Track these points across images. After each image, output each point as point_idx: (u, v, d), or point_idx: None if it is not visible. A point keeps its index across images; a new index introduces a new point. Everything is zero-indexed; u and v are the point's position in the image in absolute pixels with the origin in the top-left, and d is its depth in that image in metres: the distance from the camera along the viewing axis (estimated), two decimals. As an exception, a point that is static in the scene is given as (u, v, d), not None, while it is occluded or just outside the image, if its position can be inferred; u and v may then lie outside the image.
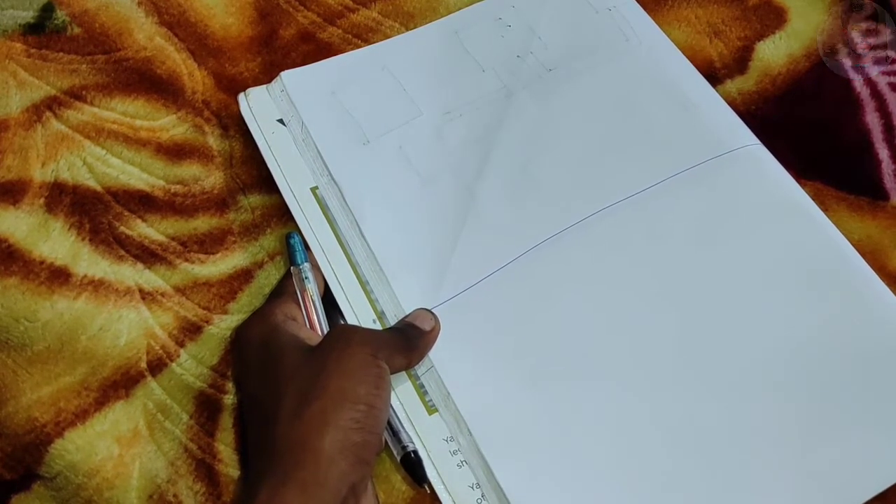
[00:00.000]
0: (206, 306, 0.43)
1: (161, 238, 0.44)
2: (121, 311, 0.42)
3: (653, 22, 0.51)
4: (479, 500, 0.37)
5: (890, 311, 0.41)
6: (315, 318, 0.40)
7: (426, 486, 0.37)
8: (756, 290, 0.41)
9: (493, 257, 0.42)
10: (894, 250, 0.44)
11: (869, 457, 0.37)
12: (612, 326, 0.40)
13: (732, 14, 0.53)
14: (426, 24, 0.51)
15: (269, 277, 0.44)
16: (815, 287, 0.41)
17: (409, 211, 0.44)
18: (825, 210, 0.44)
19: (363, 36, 0.51)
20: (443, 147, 0.46)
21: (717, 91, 0.49)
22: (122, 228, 0.44)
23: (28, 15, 0.50)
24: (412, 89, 0.48)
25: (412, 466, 0.37)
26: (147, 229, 0.44)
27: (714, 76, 0.50)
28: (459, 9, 0.52)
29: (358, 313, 0.41)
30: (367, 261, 0.42)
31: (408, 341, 0.38)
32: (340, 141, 0.46)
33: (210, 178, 0.46)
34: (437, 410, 0.39)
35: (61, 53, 0.49)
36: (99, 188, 0.45)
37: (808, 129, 0.49)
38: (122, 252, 0.44)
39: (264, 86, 0.48)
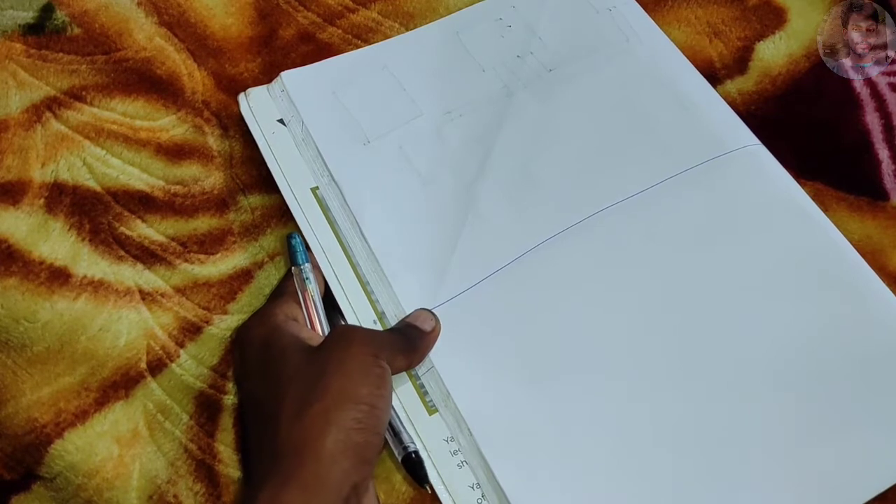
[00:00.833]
0: (206, 306, 0.43)
1: (161, 238, 0.44)
2: (121, 311, 0.42)
3: (653, 22, 0.51)
4: (480, 501, 0.37)
5: (890, 311, 0.41)
6: (316, 318, 0.40)
7: (427, 487, 0.37)
8: (756, 290, 0.41)
9: (494, 257, 0.42)
10: (894, 250, 0.44)
11: (869, 457, 0.37)
12: (612, 326, 0.40)
13: (732, 14, 0.53)
14: (426, 24, 0.51)
15: (269, 278, 0.44)
16: (815, 287, 0.41)
17: (410, 211, 0.44)
18: (825, 210, 0.44)
19: (363, 36, 0.51)
20: (443, 147, 0.46)
21: (717, 91, 0.49)
22: (122, 229, 0.44)
23: (28, 15, 0.50)
24: (412, 89, 0.48)
25: (413, 467, 0.37)
26: (147, 230, 0.44)
27: (714, 76, 0.50)
28: (459, 9, 0.52)
29: (358, 313, 0.41)
30: (368, 261, 0.42)
31: (408, 342, 0.38)
32: (341, 141, 0.46)
33: (210, 179, 0.46)
34: (437, 410, 0.39)
35: (61, 54, 0.49)
36: (99, 188, 0.45)
37: (808, 129, 0.49)
38: (122, 252, 0.44)
39: (265, 86, 0.48)
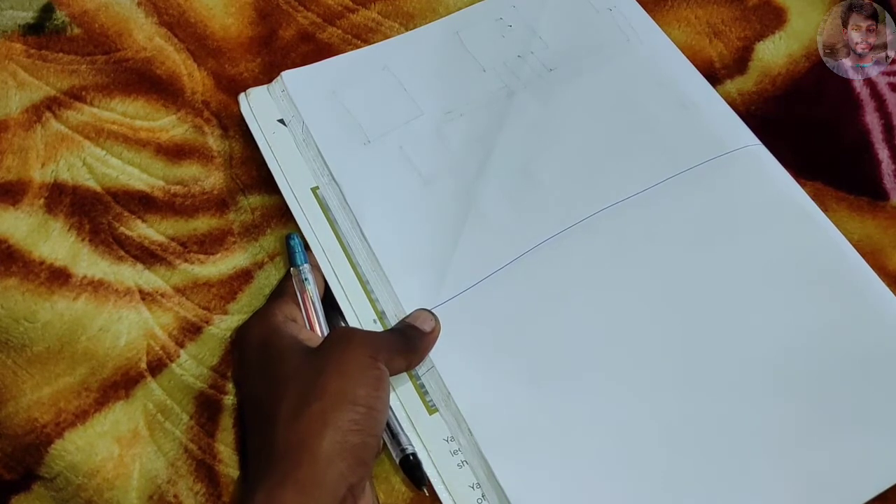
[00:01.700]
0: (206, 307, 0.43)
1: (161, 238, 0.44)
2: (121, 311, 0.42)
3: (653, 22, 0.51)
4: (480, 500, 0.37)
5: (890, 311, 0.41)
6: (315, 319, 0.40)
7: (424, 490, 0.37)
8: (756, 290, 0.41)
9: (494, 257, 0.42)
10: (894, 250, 0.44)
11: (869, 457, 0.37)
12: (612, 326, 0.40)
13: (732, 14, 0.53)
14: (426, 24, 0.51)
15: (268, 278, 0.44)
16: (815, 287, 0.41)
17: (410, 211, 0.44)
18: (825, 210, 0.44)
19: (363, 36, 0.51)
20: (444, 147, 0.46)
21: (717, 91, 0.49)
22: (122, 229, 0.44)
23: (28, 15, 0.50)
24: (413, 89, 0.48)
25: (411, 469, 0.37)
26: (147, 230, 0.44)
27: (714, 76, 0.50)
28: (459, 9, 0.52)
29: (358, 313, 0.41)
30: (368, 261, 0.42)
31: (408, 343, 0.38)
32: (341, 141, 0.46)
33: (210, 179, 0.46)
34: (437, 410, 0.39)
35: (61, 54, 0.49)
36: (99, 189, 0.45)
37: (808, 129, 0.49)
38: (122, 252, 0.44)
39: (265, 86, 0.48)
